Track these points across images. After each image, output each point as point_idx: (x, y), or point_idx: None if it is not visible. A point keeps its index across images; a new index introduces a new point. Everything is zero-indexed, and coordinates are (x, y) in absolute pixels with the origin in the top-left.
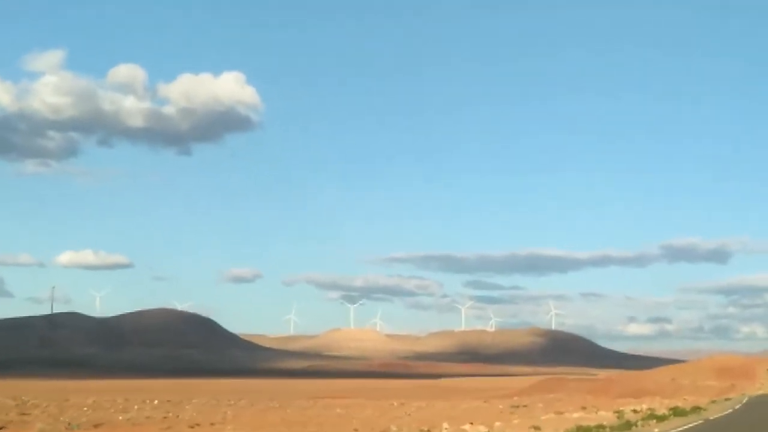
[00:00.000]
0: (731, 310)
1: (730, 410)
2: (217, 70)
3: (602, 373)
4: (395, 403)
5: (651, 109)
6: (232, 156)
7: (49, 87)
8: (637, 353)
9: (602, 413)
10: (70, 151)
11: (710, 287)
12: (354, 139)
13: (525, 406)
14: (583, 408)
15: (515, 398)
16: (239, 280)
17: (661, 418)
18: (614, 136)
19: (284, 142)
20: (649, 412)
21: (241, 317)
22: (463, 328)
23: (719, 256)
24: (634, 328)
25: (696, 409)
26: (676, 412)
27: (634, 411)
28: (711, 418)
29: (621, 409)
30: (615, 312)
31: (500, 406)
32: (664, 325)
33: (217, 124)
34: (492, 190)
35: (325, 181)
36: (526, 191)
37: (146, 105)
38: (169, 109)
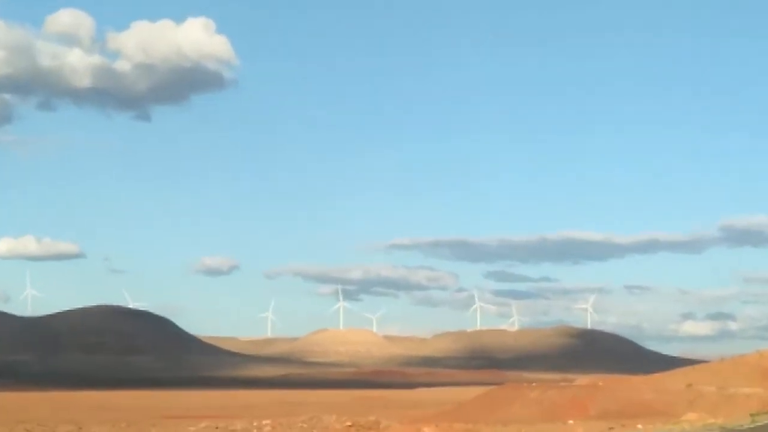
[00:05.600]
0: None
1: None
2: (179, 16)
3: (604, 379)
4: (268, 422)
5: (705, 68)
6: (200, 121)
7: None
8: (692, 357)
9: None
10: (3, 117)
11: None
12: (349, 100)
13: None
14: None
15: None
16: (212, 272)
17: None
18: (660, 94)
19: (264, 103)
20: None
21: (212, 316)
22: (478, 327)
23: None
24: (689, 327)
25: None
26: None
27: None
28: None
29: None
30: (666, 308)
31: None
32: (727, 322)
33: (182, 83)
34: (515, 160)
35: (313, 152)
36: (556, 161)
37: (94, 60)
38: (122, 65)
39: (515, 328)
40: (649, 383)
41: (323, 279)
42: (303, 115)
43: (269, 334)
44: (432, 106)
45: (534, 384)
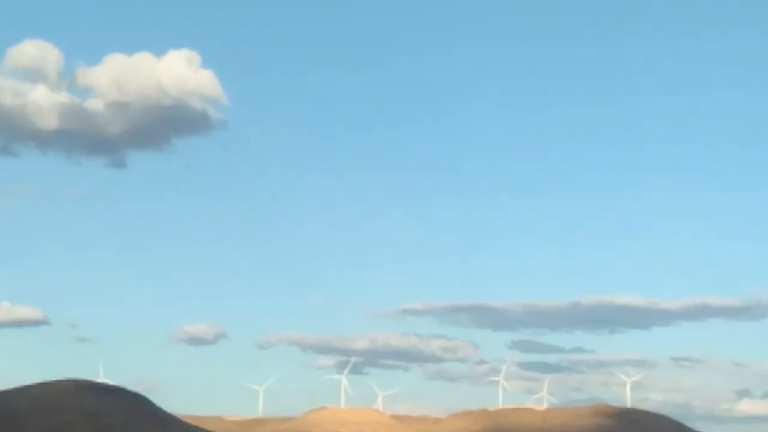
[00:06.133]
0: None
1: None
2: (159, 48)
3: None
4: None
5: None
6: (183, 169)
7: None
8: None
9: None
10: None
11: None
12: (350, 144)
13: None
14: None
15: None
16: (195, 341)
17: None
18: (710, 139)
19: (257, 148)
20: None
21: (194, 393)
22: (501, 405)
23: None
24: (745, 406)
25: None
26: None
27: None
28: None
29: None
30: (719, 383)
31: None
32: None
33: (162, 124)
34: (543, 216)
35: (312, 205)
36: (590, 216)
37: (62, 98)
38: (94, 104)
39: (544, 406)
40: None
41: (323, 350)
42: (302, 162)
43: (260, 413)
44: (446, 153)
45: None
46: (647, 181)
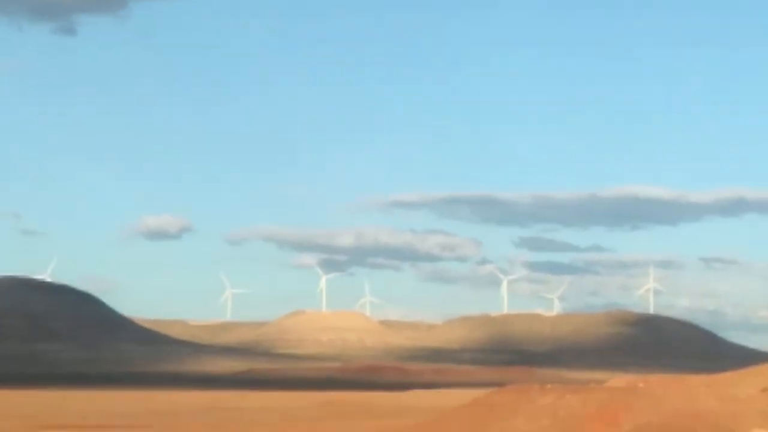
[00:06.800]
0: None
1: None
2: None
3: (650, 380)
4: None
5: None
6: (141, 36)
7: None
8: None
9: None
10: None
11: None
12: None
13: None
14: None
15: None
16: (156, 235)
17: None
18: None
19: (226, 11)
20: None
21: (154, 294)
22: (505, 311)
23: None
24: None
25: None
26: None
27: None
28: None
29: None
30: (754, 288)
31: None
32: None
33: None
34: (558, 94)
35: (286, 76)
36: (609, 92)
37: None
38: None
39: (554, 312)
40: (712, 386)
41: (302, 246)
42: (278, 25)
43: (229, 317)
44: (448, 28)
45: (549, 386)
46: (674, 59)
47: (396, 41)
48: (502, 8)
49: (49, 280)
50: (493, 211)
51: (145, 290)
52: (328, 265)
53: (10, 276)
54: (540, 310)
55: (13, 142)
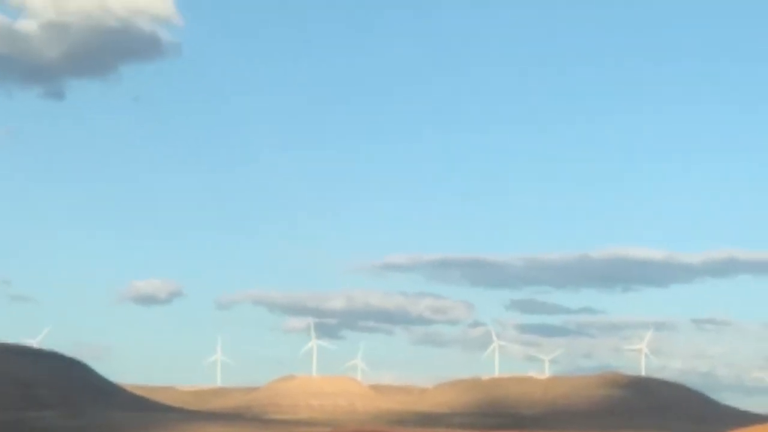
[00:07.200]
0: None
1: None
2: None
3: None
4: None
5: None
6: (131, 100)
7: None
8: None
9: None
10: None
11: None
12: (329, 69)
13: None
14: None
15: None
16: (145, 300)
17: None
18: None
19: (215, 76)
20: None
21: (143, 359)
22: (497, 374)
23: None
24: None
25: None
26: None
27: None
28: None
29: None
30: (747, 349)
31: None
32: None
33: (106, 49)
34: (547, 156)
35: (278, 141)
36: (601, 157)
37: None
38: (27, 25)
39: (546, 375)
40: None
41: (293, 310)
42: (267, 92)
43: (219, 383)
44: (438, 97)
45: None
46: (665, 116)
47: (387, 100)
48: (490, 66)
49: (37, 346)
50: (483, 273)
51: (135, 356)
52: (319, 329)
53: (0, 342)
54: (532, 373)
55: (1, 207)
